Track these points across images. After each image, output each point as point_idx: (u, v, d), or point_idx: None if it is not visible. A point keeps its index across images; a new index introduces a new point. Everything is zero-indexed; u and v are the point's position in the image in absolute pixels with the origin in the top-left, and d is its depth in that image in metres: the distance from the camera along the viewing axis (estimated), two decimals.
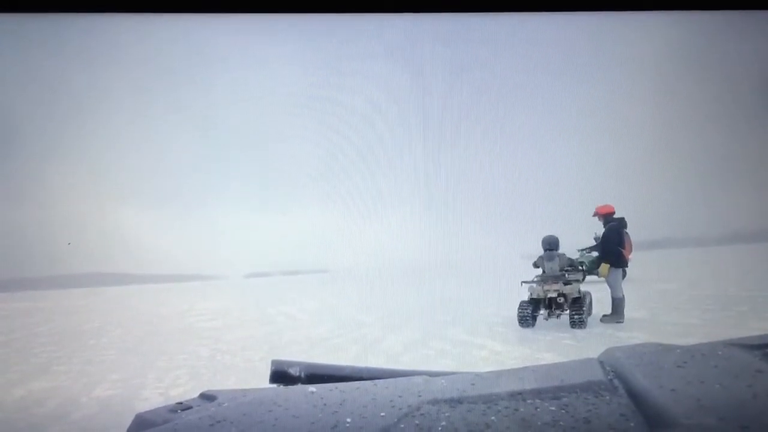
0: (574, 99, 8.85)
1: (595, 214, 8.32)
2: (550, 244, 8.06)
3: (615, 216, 8.21)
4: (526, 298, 7.83)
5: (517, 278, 8.38)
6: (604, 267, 7.94)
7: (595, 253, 11.48)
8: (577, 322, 7.37)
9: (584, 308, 7.50)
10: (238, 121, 11.01)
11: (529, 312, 7.65)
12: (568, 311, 7.53)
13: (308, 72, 8.67)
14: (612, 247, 8.04)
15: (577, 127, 9.15)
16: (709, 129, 10.42)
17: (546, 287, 7.60)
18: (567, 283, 7.63)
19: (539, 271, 8.06)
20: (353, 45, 7.98)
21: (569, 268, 7.94)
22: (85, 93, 9.85)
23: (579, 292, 7.57)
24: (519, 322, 7.68)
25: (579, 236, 10.09)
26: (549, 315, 7.67)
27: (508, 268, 12.60)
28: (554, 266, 7.88)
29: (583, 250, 11.51)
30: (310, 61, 8.40)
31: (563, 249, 8.20)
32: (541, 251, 8.25)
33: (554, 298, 7.55)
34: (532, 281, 7.80)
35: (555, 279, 7.68)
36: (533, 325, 7.66)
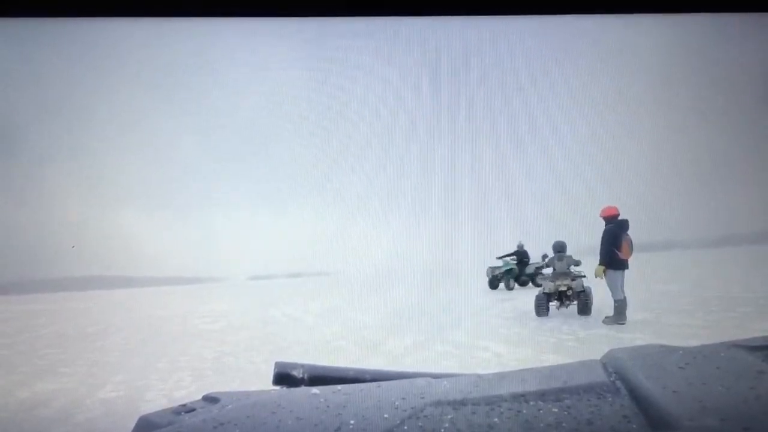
0: (576, 101, 8.84)
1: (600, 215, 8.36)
2: (560, 247, 9.17)
3: (620, 218, 8.21)
4: (538, 292, 9.23)
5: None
6: (599, 268, 8.04)
7: (508, 259, 13.15)
8: (583, 310, 8.70)
9: (589, 299, 8.71)
10: (240, 124, 11.01)
11: (544, 303, 8.94)
12: (576, 302, 8.83)
13: (309, 74, 8.68)
14: (606, 249, 8.07)
15: (579, 129, 9.15)
16: (712, 131, 10.40)
17: (557, 282, 8.88)
18: (573, 278, 8.87)
19: (549, 269, 9.37)
20: (354, 47, 7.99)
21: (575, 267, 9.09)
22: (87, 97, 9.88)
23: (583, 286, 8.78)
24: (536, 312, 8.93)
25: (583, 238, 10.10)
26: (560, 305, 8.97)
27: None
28: (563, 265, 9.02)
29: (501, 257, 13.27)
30: (310, 63, 8.41)
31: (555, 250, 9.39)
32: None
33: (564, 291, 8.85)
34: (546, 276, 9.17)
35: (564, 276, 8.90)
36: (547, 314, 8.89)
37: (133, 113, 10.26)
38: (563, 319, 8.63)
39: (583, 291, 8.78)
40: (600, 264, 8.10)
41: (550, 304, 9.05)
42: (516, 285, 13.52)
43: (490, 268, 13.70)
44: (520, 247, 13.54)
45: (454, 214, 8.66)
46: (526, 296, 10.82)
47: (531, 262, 13.47)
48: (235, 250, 15.62)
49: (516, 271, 13.54)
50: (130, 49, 8.06)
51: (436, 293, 12.14)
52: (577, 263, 9.10)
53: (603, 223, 8.34)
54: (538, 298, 9.01)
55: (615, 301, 7.96)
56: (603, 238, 8.17)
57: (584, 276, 8.83)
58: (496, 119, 8.32)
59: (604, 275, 8.09)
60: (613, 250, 8.03)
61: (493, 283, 13.46)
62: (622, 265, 8.07)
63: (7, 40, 7.19)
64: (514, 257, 13.49)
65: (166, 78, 9.73)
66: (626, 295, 7.97)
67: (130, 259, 14.12)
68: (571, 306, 8.97)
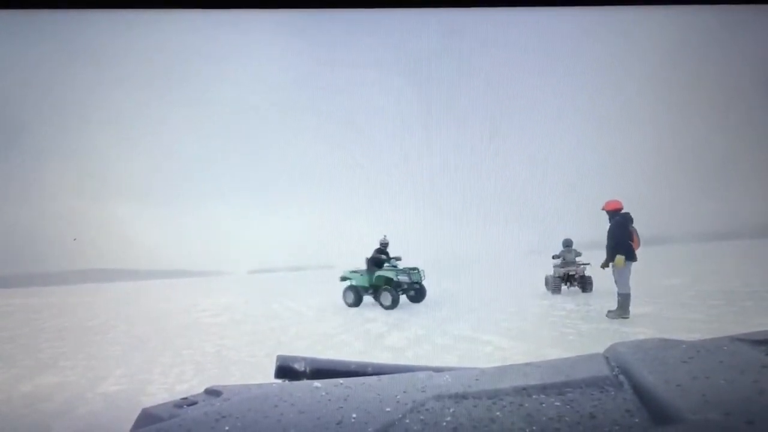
0: (579, 97, 8.83)
1: (603, 209, 8.33)
2: (568, 243, 11.54)
3: (623, 212, 8.18)
4: (553, 275, 11.74)
5: (523, 274, 12.67)
6: (620, 259, 7.95)
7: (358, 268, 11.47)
8: (587, 289, 11.20)
9: (589, 281, 11.25)
10: (243, 120, 11.02)
11: (559, 284, 11.41)
12: (579, 284, 11.34)
13: (312, 69, 8.67)
14: (622, 240, 8.02)
15: (581, 125, 9.14)
16: (714, 126, 10.39)
17: (566, 269, 11.43)
18: (578, 266, 11.38)
19: (556, 260, 11.76)
20: (356, 42, 7.97)
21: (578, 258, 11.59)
22: (89, 91, 9.87)
23: (584, 272, 11.36)
24: (552, 292, 11.40)
25: (585, 232, 10.19)
26: (569, 286, 11.45)
27: (513, 265, 12.65)
28: (571, 256, 11.50)
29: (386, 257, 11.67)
30: (313, 58, 8.39)
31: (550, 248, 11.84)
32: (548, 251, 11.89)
33: (572, 275, 11.38)
34: (558, 265, 11.57)
35: (571, 264, 11.43)
36: (560, 292, 11.34)
37: (136, 107, 10.26)
38: (566, 313, 8.67)
39: (584, 276, 11.35)
40: (620, 254, 7.99)
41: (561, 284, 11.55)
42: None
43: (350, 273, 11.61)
44: (384, 245, 11.72)
45: (459, 209, 8.67)
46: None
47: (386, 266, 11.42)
48: (237, 244, 15.67)
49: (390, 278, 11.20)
50: (132, 44, 8.05)
51: (439, 287, 12.16)
52: (579, 254, 11.51)
53: (598, 218, 8.32)
54: (554, 281, 11.45)
55: (619, 295, 7.94)
56: (614, 230, 8.12)
57: (588, 264, 11.20)
58: (502, 116, 8.31)
59: (623, 265, 8.00)
60: (629, 241, 8.01)
61: (357, 297, 11.38)
62: (633, 257, 8.04)
63: (6, 32, 7.18)
64: (390, 259, 11.59)
65: (168, 72, 9.72)
66: (630, 290, 7.97)
67: (131, 252, 14.15)
68: (567, 288, 11.60)
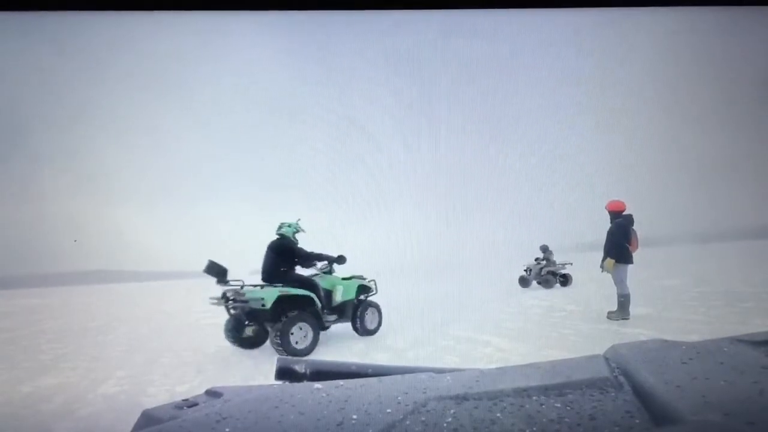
0: (579, 99, 8.83)
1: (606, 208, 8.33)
2: (546, 247, 13.41)
3: (624, 213, 8.17)
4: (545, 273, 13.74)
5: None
6: (609, 262, 7.98)
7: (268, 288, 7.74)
8: (564, 284, 13.35)
9: (570, 278, 13.40)
10: (242, 122, 11.03)
11: (553, 279, 13.28)
12: (561, 280, 13.43)
13: (310, 70, 8.67)
14: (618, 243, 8.02)
15: (581, 126, 9.14)
16: (714, 127, 10.39)
17: (550, 268, 13.37)
18: (559, 265, 13.54)
19: (536, 262, 13.86)
20: (355, 44, 7.97)
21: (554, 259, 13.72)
22: (88, 93, 9.88)
23: (562, 270, 13.49)
24: (545, 287, 13.23)
25: (585, 233, 10.16)
26: (554, 282, 13.42)
27: (512, 266, 12.64)
28: (551, 257, 13.50)
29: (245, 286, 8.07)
30: (311, 61, 8.39)
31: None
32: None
33: (557, 273, 13.40)
34: (540, 265, 13.52)
35: (554, 263, 13.46)
36: (552, 287, 13.28)
37: (136, 109, 10.27)
38: (566, 314, 8.66)
39: (564, 273, 13.45)
40: (611, 258, 8.02)
41: (535, 282, 13.57)
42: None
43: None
44: (294, 227, 7.98)
45: (457, 210, 8.66)
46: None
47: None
48: (238, 245, 15.66)
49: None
50: (128, 45, 8.05)
51: (439, 288, 12.15)
52: (552, 254, 13.71)
53: (599, 219, 8.32)
54: (547, 277, 13.31)
55: (620, 296, 7.94)
56: (613, 231, 8.11)
57: (570, 263, 13.34)
58: (500, 118, 8.31)
59: (612, 269, 8.03)
60: (625, 244, 8.00)
61: (316, 335, 7.16)
62: (629, 259, 8.04)
63: (6, 35, 7.18)
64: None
65: (167, 73, 9.73)
66: (629, 290, 7.97)
67: (131, 254, 14.15)
68: (553, 284, 13.53)
